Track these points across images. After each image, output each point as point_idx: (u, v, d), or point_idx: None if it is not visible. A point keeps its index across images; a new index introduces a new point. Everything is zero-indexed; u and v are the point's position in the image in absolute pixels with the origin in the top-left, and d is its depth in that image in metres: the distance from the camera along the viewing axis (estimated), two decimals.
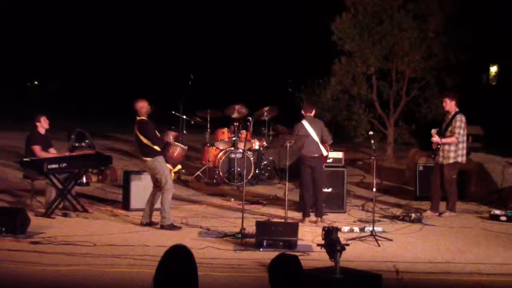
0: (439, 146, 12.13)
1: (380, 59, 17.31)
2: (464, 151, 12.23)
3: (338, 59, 17.34)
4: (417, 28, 16.96)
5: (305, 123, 11.73)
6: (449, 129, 12.11)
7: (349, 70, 17.27)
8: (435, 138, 12.14)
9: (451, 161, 12.10)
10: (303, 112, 11.97)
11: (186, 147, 11.92)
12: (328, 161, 12.39)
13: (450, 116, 12.20)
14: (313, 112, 11.94)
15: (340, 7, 17.14)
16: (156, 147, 11.00)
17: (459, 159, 12.16)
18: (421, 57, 17.11)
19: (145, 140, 10.99)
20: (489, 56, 24.46)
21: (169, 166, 11.18)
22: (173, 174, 11.47)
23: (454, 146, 12.07)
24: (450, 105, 12.24)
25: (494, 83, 27.06)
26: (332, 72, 17.47)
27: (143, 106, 11.05)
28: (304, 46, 28.59)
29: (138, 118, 11.09)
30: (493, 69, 26.95)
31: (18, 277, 8.31)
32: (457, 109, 12.21)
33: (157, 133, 11.12)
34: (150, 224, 11.11)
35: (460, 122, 12.05)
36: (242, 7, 32.08)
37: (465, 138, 12.20)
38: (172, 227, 10.89)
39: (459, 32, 16.89)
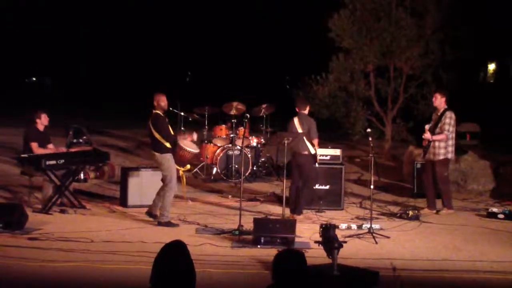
0: (429, 143, 12.16)
1: (378, 56, 17.29)
2: (453, 148, 12.26)
3: (336, 56, 17.32)
4: (414, 25, 16.95)
5: (295, 120, 11.76)
6: (439, 125, 12.12)
7: (346, 67, 17.24)
8: (427, 135, 12.16)
9: (442, 157, 12.11)
10: (297, 109, 11.99)
11: (197, 151, 11.73)
12: (325, 158, 12.38)
13: (439, 113, 12.21)
14: (307, 109, 11.88)
15: (338, 4, 17.11)
16: (167, 144, 10.99)
17: (449, 156, 12.19)
18: (418, 54, 17.10)
19: (156, 135, 10.99)
20: (487, 54, 24.49)
21: (177, 166, 11.13)
22: (181, 172, 11.44)
23: (444, 143, 12.08)
24: (440, 101, 12.23)
25: (491, 81, 27.10)
26: (329, 69, 17.45)
27: (157, 100, 11.06)
28: (302, 43, 28.58)
29: (153, 111, 11.10)
30: (491, 67, 26.98)
31: (15, 273, 8.30)
32: (445, 106, 12.22)
33: (170, 130, 11.10)
34: (156, 216, 11.12)
35: (449, 119, 12.06)
36: (240, 4, 32.05)
37: (454, 134, 12.22)
38: (169, 224, 10.90)
39: (456, 29, 16.88)
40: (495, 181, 14.28)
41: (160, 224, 10.90)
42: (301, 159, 11.73)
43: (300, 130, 11.63)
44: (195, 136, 11.61)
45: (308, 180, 11.76)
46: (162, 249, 4.54)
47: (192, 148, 11.37)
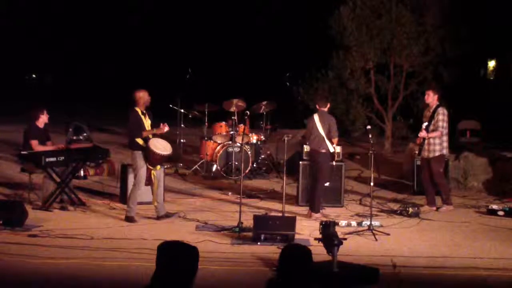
0: (423, 141, 12.18)
1: (378, 53, 17.26)
2: (448, 144, 12.30)
3: (336, 53, 17.30)
4: (415, 22, 16.93)
5: (315, 117, 11.74)
6: (432, 122, 12.14)
7: (347, 64, 17.22)
8: (423, 133, 12.18)
9: (437, 154, 12.14)
10: (317, 106, 11.96)
11: (168, 153, 11.13)
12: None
13: (431, 110, 12.23)
14: (327, 106, 11.87)
15: (338, 1, 17.08)
16: (139, 141, 10.92)
17: (444, 151, 12.23)
18: (418, 51, 17.08)
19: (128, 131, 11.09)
20: (488, 51, 24.43)
21: (149, 166, 11.01)
22: (153, 172, 11.28)
23: (438, 139, 12.12)
24: (432, 98, 12.27)
25: (492, 78, 27.04)
26: (330, 66, 17.43)
27: (135, 95, 11.03)
28: (302, 40, 28.52)
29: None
30: (491, 64, 26.92)
31: (15, 270, 8.33)
32: (437, 103, 12.24)
33: (138, 125, 10.93)
34: (164, 216, 11.16)
35: (442, 115, 12.09)
36: (240, 2, 32.03)
37: (447, 130, 12.25)
38: (130, 219, 10.93)
39: (456, 26, 16.86)
40: (495, 178, 14.28)
41: (125, 218, 11.01)
42: (318, 157, 11.71)
43: (321, 129, 11.57)
44: (166, 128, 11.17)
45: (322, 177, 11.73)
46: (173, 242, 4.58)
47: (161, 150, 10.91)
